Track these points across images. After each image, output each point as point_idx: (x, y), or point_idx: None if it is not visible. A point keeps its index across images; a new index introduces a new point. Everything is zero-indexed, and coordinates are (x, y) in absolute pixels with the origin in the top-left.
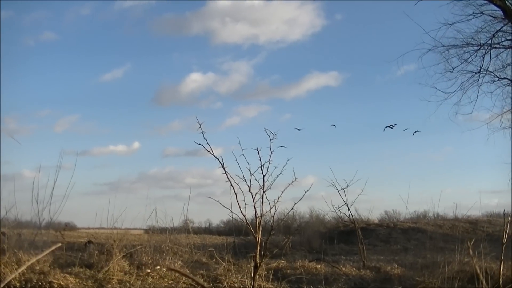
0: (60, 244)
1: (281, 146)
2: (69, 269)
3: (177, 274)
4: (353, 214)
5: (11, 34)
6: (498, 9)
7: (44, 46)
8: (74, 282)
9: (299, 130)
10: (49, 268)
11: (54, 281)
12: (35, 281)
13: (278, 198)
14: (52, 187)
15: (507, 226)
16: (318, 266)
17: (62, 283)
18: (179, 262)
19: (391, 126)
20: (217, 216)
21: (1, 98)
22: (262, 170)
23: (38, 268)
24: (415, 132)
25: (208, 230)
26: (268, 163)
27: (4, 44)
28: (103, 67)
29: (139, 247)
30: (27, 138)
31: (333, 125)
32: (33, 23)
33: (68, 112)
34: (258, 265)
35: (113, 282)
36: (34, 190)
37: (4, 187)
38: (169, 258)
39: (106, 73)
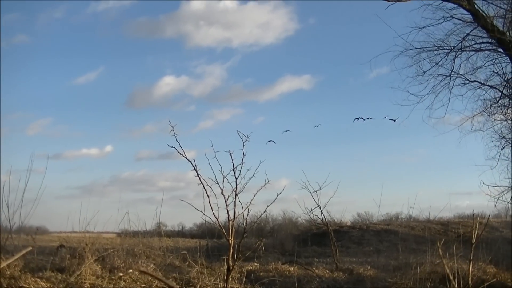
0: (31, 248)
1: (270, 141)
2: (40, 274)
3: (149, 278)
4: (325, 217)
5: None
6: (467, 13)
7: (17, 49)
8: (46, 286)
9: (287, 131)
10: (20, 273)
11: (25, 285)
12: (5, 286)
13: (251, 200)
14: (23, 191)
15: (476, 227)
16: (291, 268)
17: (33, 287)
18: (152, 266)
19: (362, 118)
20: (190, 219)
21: None
22: (234, 173)
23: (8, 272)
24: (395, 119)
25: (181, 233)
26: (240, 165)
27: None
28: (76, 70)
29: (112, 250)
30: None
31: (317, 125)
32: (6, 25)
33: (41, 115)
34: (231, 267)
35: (85, 286)
36: (5, 193)
37: None
38: (141, 262)
39: (79, 76)
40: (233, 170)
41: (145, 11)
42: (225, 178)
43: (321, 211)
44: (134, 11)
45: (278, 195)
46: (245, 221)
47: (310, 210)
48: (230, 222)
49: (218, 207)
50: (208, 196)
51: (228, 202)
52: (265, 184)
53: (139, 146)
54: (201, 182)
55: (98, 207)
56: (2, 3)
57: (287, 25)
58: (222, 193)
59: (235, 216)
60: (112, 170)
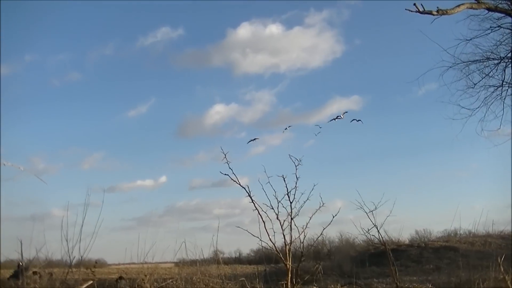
0: (91, 282)
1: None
2: None
3: None
4: (383, 236)
5: (37, 77)
6: None
7: (69, 86)
8: None
9: (289, 127)
10: None
11: None
12: None
13: (307, 224)
14: (81, 225)
15: None
16: None
17: None
18: None
19: (339, 117)
20: (247, 245)
21: (26, 138)
22: (289, 197)
23: None
24: (357, 120)
25: (239, 260)
26: (294, 189)
27: (31, 86)
28: (127, 104)
29: (170, 280)
30: (54, 177)
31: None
32: (58, 64)
33: (95, 149)
34: None
35: None
36: (64, 228)
37: (35, 227)
38: None
39: (130, 109)
40: (287, 194)
41: (192, 42)
42: (279, 203)
43: (378, 231)
44: (182, 42)
45: (333, 217)
46: (302, 244)
47: (367, 230)
48: (287, 247)
49: (274, 232)
50: (263, 221)
51: (284, 227)
52: (320, 207)
53: (192, 175)
54: (256, 208)
55: (154, 238)
56: (54, 43)
57: (333, 48)
58: (277, 218)
59: (292, 240)
60: (167, 200)
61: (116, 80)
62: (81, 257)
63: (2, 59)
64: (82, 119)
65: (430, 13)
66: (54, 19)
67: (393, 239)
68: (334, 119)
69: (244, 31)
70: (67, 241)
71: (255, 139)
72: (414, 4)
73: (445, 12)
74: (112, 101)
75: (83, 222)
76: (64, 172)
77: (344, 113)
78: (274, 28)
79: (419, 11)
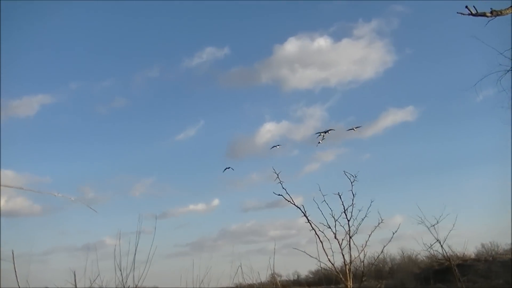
0: None
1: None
2: None
3: None
4: (447, 251)
5: (82, 104)
6: None
7: (116, 112)
8: None
9: (277, 146)
10: None
11: None
12: None
13: (366, 242)
14: (134, 253)
15: None
16: None
17: None
18: None
19: (326, 132)
20: (305, 267)
21: (75, 168)
22: (346, 215)
23: None
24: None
25: (297, 282)
26: (351, 207)
27: (76, 114)
28: (175, 128)
29: None
30: (105, 205)
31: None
32: (103, 91)
33: (144, 175)
34: None
35: None
36: (117, 257)
37: (88, 257)
38: None
39: (179, 133)
40: (344, 212)
41: (238, 60)
42: (336, 221)
43: (441, 246)
44: (228, 62)
45: (394, 233)
46: (362, 263)
47: (429, 245)
48: (347, 266)
49: (332, 252)
50: (321, 241)
51: (342, 246)
52: (379, 223)
53: (245, 196)
54: (313, 228)
55: (209, 263)
56: (99, 70)
57: (384, 58)
58: (335, 237)
59: (351, 259)
60: (221, 223)
61: (162, 103)
62: (136, 286)
63: (47, 88)
64: (130, 145)
65: (483, 15)
66: (97, 46)
67: (458, 253)
68: (322, 133)
69: (291, 46)
70: (121, 270)
71: (278, 145)
72: (466, 7)
73: (499, 12)
74: (160, 125)
75: (136, 250)
76: (115, 200)
77: (328, 130)
78: (322, 42)
79: (471, 14)
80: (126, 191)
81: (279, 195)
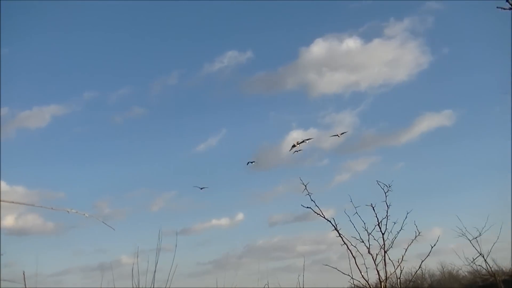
0: None
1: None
2: None
3: None
4: (491, 266)
5: (97, 114)
6: None
7: (133, 123)
8: None
9: (252, 162)
10: None
11: None
12: None
13: (402, 256)
14: (154, 272)
15: None
16: None
17: None
18: None
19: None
20: (337, 284)
21: (90, 182)
22: (380, 228)
23: None
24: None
25: None
26: (386, 219)
27: (91, 125)
28: (196, 138)
29: None
30: (122, 221)
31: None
32: (119, 100)
33: (164, 189)
34: None
35: None
36: (135, 277)
37: (104, 277)
38: None
39: (200, 143)
40: (378, 225)
41: (262, 65)
42: (370, 235)
43: (485, 260)
44: (251, 66)
45: (432, 247)
46: (398, 280)
47: (472, 260)
48: (382, 284)
49: (366, 268)
50: (353, 256)
51: (377, 261)
52: (416, 236)
53: (271, 210)
54: (344, 243)
55: (234, 281)
56: (114, 78)
57: (418, 59)
58: (369, 251)
59: (387, 276)
60: (245, 239)
61: (182, 112)
62: None
63: (59, 98)
64: (148, 158)
65: None
66: (112, 53)
67: (504, 268)
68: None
69: (318, 48)
70: None
71: (253, 161)
72: (507, 1)
73: None
74: (180, 136)
75: (155, 268)
76: (132, 216)
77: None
78: (351, 43)
79: None
80: (144, 206)
81: (307, 207)
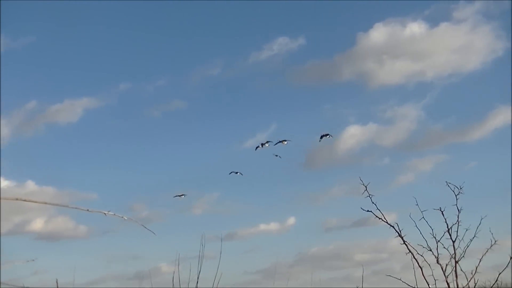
0: None
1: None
2: None
3: None
4: None
5: (133, 107)
6: None
7: (172, 116)
8: None
9: (237, 173)
10: None
11: None
12: None
13: (476, 268)
14: (196, 282)
15: None
16: None
17: None
18: None
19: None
20: None
21: (126, 182)
22: (450, 235)
23: None
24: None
25: None
26: (456, 225)
27: (126, 119)
28: (243, 133)
29: None
30: (161, 225)
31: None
32: (157, 92)
33: (207, 190)
34: None
35: None
36: (175, 286)
37: (142, 286)
38: None
39: (247, 139)
40: (448, 231)
41: (315, 53)
42: (439, 243)
43: None
44: (303, 54)
45: (511, 257)
46: None
47: None
48: None
49: (435, 279)
50: (420, 266)
51: (446, 273)
52: (491, 245)
53: (326, 213)
54: (410, 251)
55: None
56: (152, 68)
57: (493, 45)
58: (437, 261)
59: None
60: (297, 246)
61: (226, 105)
62: None
63: (92, 90)
64: (189, 155)
65: None
66: (149, 41)
67: None
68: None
69: (378, 34)
70: None
71: (237, 172)
72: None
73: None
74: (224, 131)
75: (198, 278)
76: (172, 219)
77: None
78: (415, 27)
79: None
80: (185, 209)
81: (367, 211)
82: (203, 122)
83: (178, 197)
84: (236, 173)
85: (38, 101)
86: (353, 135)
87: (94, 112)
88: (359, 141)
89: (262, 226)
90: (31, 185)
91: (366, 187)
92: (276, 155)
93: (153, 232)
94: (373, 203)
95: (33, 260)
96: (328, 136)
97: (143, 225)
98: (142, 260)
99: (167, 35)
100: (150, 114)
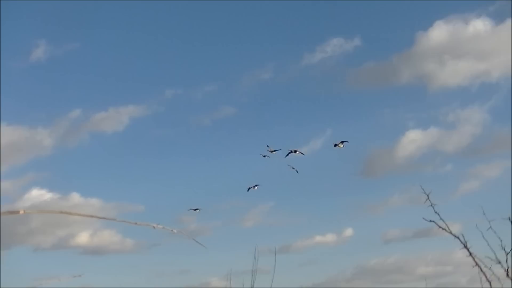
0: None
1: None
2: None
3: None
4: None
5: (181, 114)
6: None
7: (222, 124)
8: None
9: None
10: None
11: None
12: None
13: None
14: None
15: None
16: None
17: None
18: None
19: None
20: None
21: (175, 194)
22: None
23: None
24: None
25: None
26: None
27: (173, 127)
28: (296, 140)
29: None
30: (210, 238)
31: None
32: (206, 98)
33: (260, 200)
34: None
35: None
36: None
37: None
38: None
39: (301, 146)
40: None
41: (372, 53)
42: (508, 255)
43: None
44: (359, 55)
45: None
46: None
47: None
48: None
49: None
50: (488, 280)
51: None
52: None
53: (385, 224)
54: (477, 263)
55: None
56: (200, 73)
57: None
58: (507, 275)
59: None
60: (356, 258)
61: (278, 110)
62: None
63: (138, 98)
64: (240, 164)
65: None
66: (198, 45)
67: None
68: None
69: (439, 32)
70: None
71: (255, 186)
72: None
73: None
74: (276, 138)
75: None
76: (222, 231)
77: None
78: (479, 25)
79: None
80: (236, 221)
81: (430, 221)
82: (254, 129)
83: (193, 210)
84: (254, 187)
85: (82, 110)
86: (413, 140)
87: (140, 121)
88: (419, 147)
89: (318, 238)
90: (76, 197)
91: (428, 195)
92: (293, 168)
93: (204, 246)
94: (435, 212)
95: (80, 275)
96: (296, 153)
97: (193, 239)
98: (191, 274)
99: (215, 39)
100: (199, 121)
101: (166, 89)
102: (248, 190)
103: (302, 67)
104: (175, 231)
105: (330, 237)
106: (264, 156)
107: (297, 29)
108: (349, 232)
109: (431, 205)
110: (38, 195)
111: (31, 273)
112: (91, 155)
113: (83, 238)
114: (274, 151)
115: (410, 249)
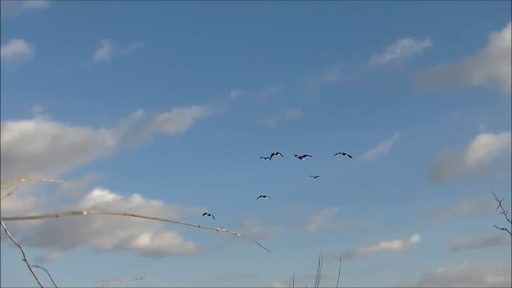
0: None
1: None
2: None
3: None
4: None
5: (246, 117)
6: None
7: (288, 126)
8: None
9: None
10: None
11: None
12: None
13: None
14: None
15: None
16: None
17: None
18: None
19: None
20: None
21: (236, 196)
22: None
23: None
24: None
25: None
26: None
27: (238, 128)
28: (363, 143)
29: None
30: (273, 242)
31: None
32: (271, 99)
33: (325, 205)
34: None
35: None
36: None
37: None
38: None
39: (368, 149)
40: None
41: (442, 55)
42: None
43: None
44: (429, 57)
45: None
46: None
47: None
48: None
49: None
50: None
51: None
52: None
53: (454, 231)
54: None
55: None
56: (265, 74)
57: None
58: None
59: None
60: (423, 266)
61: (345, 113)
62: None
63: (202, 98)
64: (305, 167)
65: None
66: (264, 45)
67: None
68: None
69: None
70: None
71: (264, 196)
72: None
73: None
74: (342, 141)
75: None
76: (285, 236)
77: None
78: None
79: None
80: (300, 225)
81: (502, 229)
82: (320, 131)
83: (262, 197)
84: (264, 196)
85: (145, 110)
86: (484, 144)
87: (203, 122)
88: (491, 151)
89: (384, 244)
90: (137, 198)
91: (500, 202)
92: (316, 176)
93: (268, 250)
94: (508, 220)
95: (142, 278)
96: (278, 155)
97: (257, 243)
98: (253, 278)
99: (281, 40)
100: (264, 123)
101: (230, 90)
102: (257, 198)
103: (369, 68)
104: (239, 234)
105: (396, 244)
106: (266, 158)
107: (364, 29)
108: (415, 238)
109: (503, 212)
110: (100, 195)
111: (92, 274)
112: (153, 156)
113: (144, 240)
114: (303, 156)
115: (480, 257)
